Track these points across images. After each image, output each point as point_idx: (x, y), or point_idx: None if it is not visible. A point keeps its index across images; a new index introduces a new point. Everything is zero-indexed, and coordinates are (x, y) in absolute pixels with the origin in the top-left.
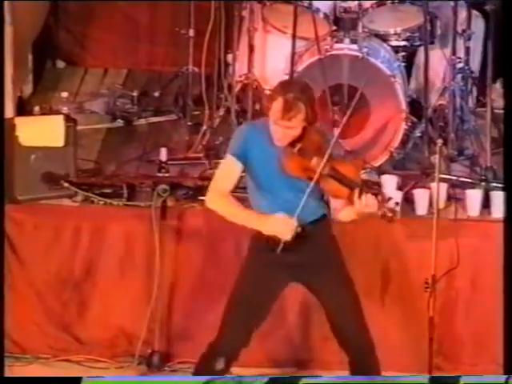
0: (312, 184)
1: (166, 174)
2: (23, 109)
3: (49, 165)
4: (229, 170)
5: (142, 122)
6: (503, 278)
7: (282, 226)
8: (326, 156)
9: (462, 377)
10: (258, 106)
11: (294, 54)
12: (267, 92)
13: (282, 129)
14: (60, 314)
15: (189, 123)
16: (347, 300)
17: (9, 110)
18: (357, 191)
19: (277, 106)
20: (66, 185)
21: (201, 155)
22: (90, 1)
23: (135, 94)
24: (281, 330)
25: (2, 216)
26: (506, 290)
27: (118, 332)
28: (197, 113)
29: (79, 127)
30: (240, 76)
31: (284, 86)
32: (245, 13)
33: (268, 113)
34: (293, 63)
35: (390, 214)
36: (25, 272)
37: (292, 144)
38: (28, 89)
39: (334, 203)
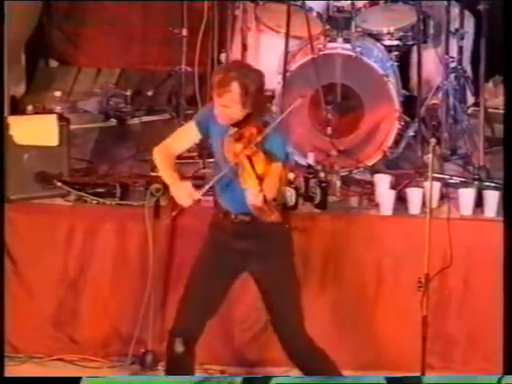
0: (228, 167)
1: (160, 174)
2: (16, 108)
3: (42, 164)
4: (185, 132)
5: (136, 121)
6: (503, 277)
7: (182, 193)
8: (255, 139)
9: (424, 377)
10: None
11: (287, 53)
12: None
13: (218, 105)
14: (54, 314)
15: (182, 122)
16: (288, 295)
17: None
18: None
19: (214, 80)
20: (59, 184)
21: (194, 154)
22: (83, 0)
23: (128, 93)
24: None
25: (2, 216)
26: (506, 291)
27: (111, 331)
28: (190, 112)
29: (72, 126)
30: None
31: (231, 65)
32: (238, 12)
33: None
34: (286, 62)
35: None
36: (18, 271)
37: (234, 125)
38: (21, 88)
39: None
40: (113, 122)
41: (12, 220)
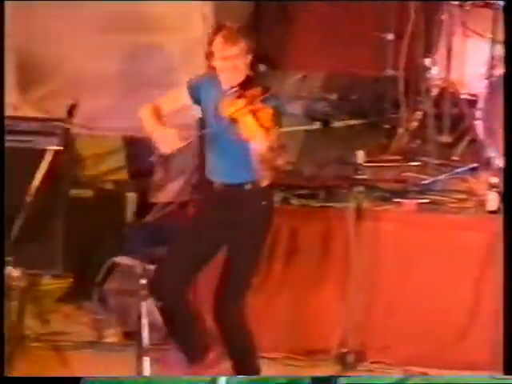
0: (229, 120)
1: (363, 176)
2: None
3: None
4: (174, 94)
5: (340, 124)
6: (503, 277)
7: (165, 139)
8: (244, 102)
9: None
10: (455, 110)
11: (493, 58)
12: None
13: (229, 62)
14: (257, 312)
15: (386, 126)
16: (244, 270)
17: None
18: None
19: (218, 40)
20: None
21: (397, 158)
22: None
23: (333, 97)
24: None
25: (2, 218)
26: (506, 291)
27: (312, 330)
28: (394, 116)
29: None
30: (438, 80)
31: (220, 26)
32: (444, 16)
33: (212, 61)
34: (492, 67)
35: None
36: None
37: (231, 88)
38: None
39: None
40: (318, 124)
41: None
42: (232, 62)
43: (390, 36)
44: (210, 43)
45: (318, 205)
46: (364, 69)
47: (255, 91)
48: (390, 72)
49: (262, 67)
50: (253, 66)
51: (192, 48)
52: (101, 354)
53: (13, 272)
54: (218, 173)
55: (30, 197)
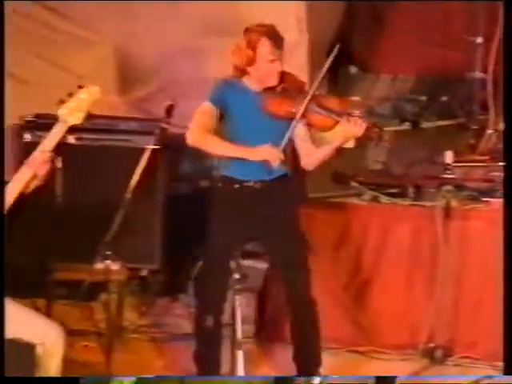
0: (297, 118)
1: (451, 176)
2: None
3: (339, 165)
4: (205, 113)
5: (429, 125)
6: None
7: (270, 153)
8: (312, 92)
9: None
10: None
11: None
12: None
13: (278, 63)
14: (348, 307)
15: (474, 127)
16: (297, 259)
17: None
18: (345, 117)
19: (265, 45)
20: (354, 184)
21: (486, 158)
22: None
23: (423, 98)
24: None
25: (2, 217)
26: (506, 291)
27: (401, 324)
28: (482, 117)
29: None
30: None
31: (255, 32)
32: None
33: (250, 66)
34: None
35: (376, 129)
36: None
37: (271, 88)
38: (322, 92)
39: (304, 149)
40: (407, 125)
41: (310, 216)
42: (278, 63)
43: (479, 39)
44: (254, 48)
45: (407, 203)
46: (453, 71)
47: (295, 85)
48: (478, 74)
49: (352, 69)
50: None
51: (287, 50)
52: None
53: (112, 266)
54: (256, 170)
55: (129, 194)
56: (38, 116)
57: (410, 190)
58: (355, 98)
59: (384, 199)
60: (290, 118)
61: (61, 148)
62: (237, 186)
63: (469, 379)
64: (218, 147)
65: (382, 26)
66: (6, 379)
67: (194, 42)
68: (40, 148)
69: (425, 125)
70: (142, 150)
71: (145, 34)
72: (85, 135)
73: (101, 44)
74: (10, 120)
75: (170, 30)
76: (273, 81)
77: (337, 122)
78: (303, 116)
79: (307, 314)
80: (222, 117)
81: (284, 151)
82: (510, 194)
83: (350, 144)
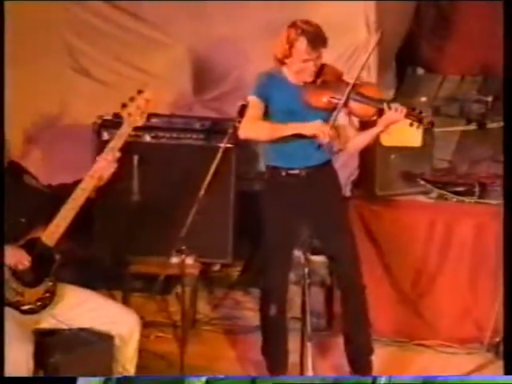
0: (339, 107)
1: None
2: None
3: (407, 164)
4: (254, 106)
5: (495, 125)
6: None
7: (321, 128)
8: (353, 82)
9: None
10: None
11: None
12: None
13: (312, 63)
14: (415, 302)
15: None
16: (345, 244)
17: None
18: (385, 104)
19: (301, 44)
20: (422, 182)
21: None
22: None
23: (489, 99)
24: None
25: (2, 218)
26: (506, 292)
27: (467, 319)
28: None
29: (436, 130)
30: None
31: (297, 29)
32: None
33: (287, 59)
34: None
35: (415, 114)
36: (380, 258)
37: (310, 82)
38: (390, 93)
39: (345, 136)
40: (473, 125)
41: (378, 214)
42: (313, 63)
43: None
44: (291, 44)
45: (473, 201)
46: None
47: (333, 74)
48: None
49: (419, 70)
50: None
51: (356, 50)
52: None
53: (186, 260)
54: (301, 158)
55: (202, 191)
56: (115, 115)
57: (476, 189)
58: (422, 99)
59: (450, 197)
60: (332, 109)
61: (137, 146)
62: (283, 174)
63: None
64: (268, 130)
65: (449, 27)
66: (6, 379)
67: (264, 44)
68: (106, 150)
69: (490, 125)
70: (215, 149)
71: (217, 36)
72: (161, 134)
73: (175, 46)
74: (89, 119)
75: (240, 31)
76: (308, 77)
77: (377, 110)
78: (344, 105)
79: (356, 302)
80: (266, 109)
81: (332, 128)
82: (510, 194)
83: (417, 143)
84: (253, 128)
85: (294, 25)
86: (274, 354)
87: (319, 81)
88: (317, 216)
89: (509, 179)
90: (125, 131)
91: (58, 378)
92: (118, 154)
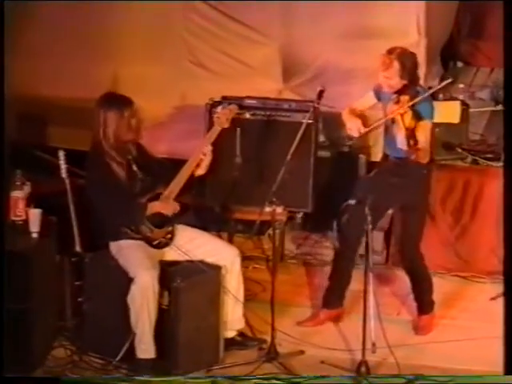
0: (390, 117)
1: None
2: (432, 96)
3: (448, 136)
4: (365, 98)
5: None
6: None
7: (352, 125)
8: (407, 103)
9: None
10: None
11: None
12: None
13: (382, 78)
14: (453, 243)
15: None
16: (417, 225)
17: None
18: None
19: (380, 60)
20: (459, 150)
21: None
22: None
23: None
24: None
25: (3, 217)
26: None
27: (493, 256)
28: None
29: (471, 110)
30: None
31: (392, 49)
32: None
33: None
34: None
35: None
36: (427, 209)
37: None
38: (436, 83)
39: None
40: (500, 107)
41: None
42: (386, 80)
43: None
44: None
45: (499, 165)
46: None
47: (406, 97)
48: None
49: (459, 63)
50: (409, 77)
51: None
52: None
53: (277, 209)
54: (391, 150)
55: (289, 156)
56: (223, 98)
57: (502, 156)
58: (460, 86)
59: (481, 162)
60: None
61: (240, 121)
62: (387, 160)
63: None
64: (344, 117)
65: (481, 29)
66: (6, 379)
67: (337, 42)
68: (204, 143)
69: None
70: (299, 124)
71: (302, 35)
72: (258, 112)
73: (269, 44)
74: (203, 101)
75: (320, 31)
76: (388, 90)
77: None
78: (393, 121)
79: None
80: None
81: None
82: (510, 190)
83: (456, 120)
84: (344, 112)
85: (388, 50)
86: (339, 279)
87: (395, 95)
88: (406, 200)
89: (509, 178)
90: (215, 130)
91: (55, 378)
92: (210, 148)
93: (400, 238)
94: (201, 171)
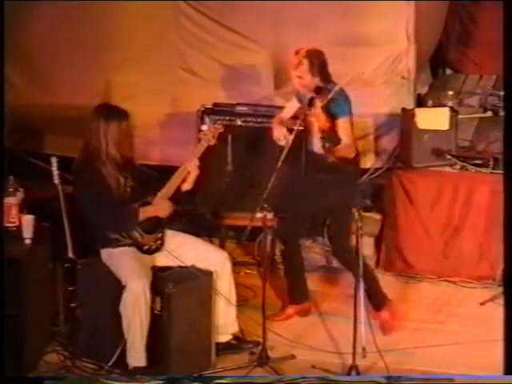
0: (301, 122)
1: None
2: (420, 103)
3: (436, 142)
4: (290, 105)
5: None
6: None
7: (278, 133)
8: (319, 105)
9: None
10: None
11: None
12: None
13: (294, 77)
14: (443, 248)
15: None
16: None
17: (410, 104)
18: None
19: (290, 60)
20: (448, 157)
21: None
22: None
23: (502, 93)
24: None
25: (2, 215)
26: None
27: (483, 261)
28: None
29: (460, 116)
30: None
31: (300, 49)
32: None
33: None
34: None
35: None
36: (416, 214)
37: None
38: (425, 89)
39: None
40: (489, 113)
41: (414, 180)
42: (299, 80)
43: None
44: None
45: (488, 171)
46: None
47: (319, 100)
48: None
49: (448, 71)
50: (319, 75)
51: (398, 56)
52: (327, 276)
53: (268, 215)
54: (316, 147)
55: (280, 162)
56: (214, 104)
57: (490, 162)
58: (449, 93)
59: (470, 168)
60: None
61: (231, 128)
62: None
63: None
64: (273, 127)
65: (470, 37)
66: (6, 378)
67: (328, 49)
68: (191, 158)
69: (502, 113)
70: (290, 130)
71: (293, 41)
72: (248, 119)
73: (260, 52)
74: (194, 107)
75: (311, 39)
76: (302, 91)
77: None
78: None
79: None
80: None
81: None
82: (510, 190)
83: (445, 127)
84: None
85: (296, 52)
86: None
87: (310, 98)
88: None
89: (509, 178)
90: (202, 145)
91: (54, 377)
92: (197, 162)
93: (332, 232)
94: (187, 186)
